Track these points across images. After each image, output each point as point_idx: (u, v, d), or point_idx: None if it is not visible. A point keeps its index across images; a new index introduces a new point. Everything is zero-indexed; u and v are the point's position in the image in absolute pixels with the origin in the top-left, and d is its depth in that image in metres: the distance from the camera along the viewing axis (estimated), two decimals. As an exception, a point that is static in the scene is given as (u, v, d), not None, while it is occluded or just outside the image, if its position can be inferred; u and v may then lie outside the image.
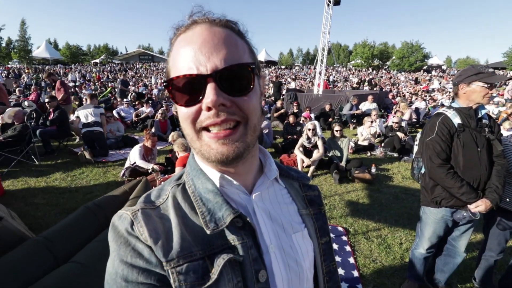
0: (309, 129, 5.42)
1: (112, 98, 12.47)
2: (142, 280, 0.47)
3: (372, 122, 7.27)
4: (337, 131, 5.57)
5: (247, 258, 0.52)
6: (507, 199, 2.04)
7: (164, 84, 0.50)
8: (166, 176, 4.41)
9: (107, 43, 56.39)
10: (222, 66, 0.47)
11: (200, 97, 0.47)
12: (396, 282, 2.51)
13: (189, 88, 0.48)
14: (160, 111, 8.00)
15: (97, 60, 46.00)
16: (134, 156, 4.80)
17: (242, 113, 0.49)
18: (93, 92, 13.46)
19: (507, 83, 14.54)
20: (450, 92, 18.50)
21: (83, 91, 14.02)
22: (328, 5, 12.02)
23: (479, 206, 1.86)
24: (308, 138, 5.44)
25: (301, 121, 7.75)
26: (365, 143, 7.05)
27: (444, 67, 44.63)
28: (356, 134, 7.56)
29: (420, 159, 2.20)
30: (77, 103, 9.84)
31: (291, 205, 0.65)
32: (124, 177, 4.76)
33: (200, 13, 0.52)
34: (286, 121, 7.73)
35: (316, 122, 6.26)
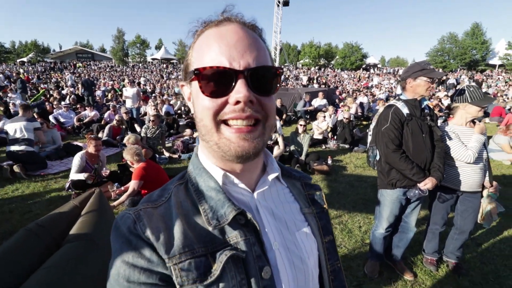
0: (269, 127, 5.53)
1: (45, 102, 11.00)
2: (144, 280, 0.47)
3: (324, 117, 7.72)
4: (301, 125, 5.80)
5: (250, 254, 0.51)
6: (445, 177, 2.36)
7: (195, 72, 0.49)
8: (123, 188, 4.05)
9: (36, 40, 49.26)
10: (254, 65, 0.48)
11: (228, 91, 0.48)
12: (360, 263, 2.71)
13: (219, 80, 0.48)
14: (117, 117, 7.24)
15: (24, 59, 40.23)
16: (72, 167, 4.21)
17: (264, 112, 0.51)
18: (26, 100, 11.68)
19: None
20: (386, 87, 20.67)
21: (9, 95, 12.03)
22: (278, 5, 12.42)
23: (427, 184, 2.12)
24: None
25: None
26: (320, 136, 7.47)
27: (379, 66, 49.62)
28: (311, 129, 7.95)
29: (375, 147, 2.40)
30: (2, 108, 8.43)
31: (294, 204, 0.65)
32: (70, 190, 4.24)
33: (231, 12, 0.54)
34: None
35: (277, 120, 6.42)
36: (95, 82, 15.75)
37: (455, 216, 2.53)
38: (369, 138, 2.49)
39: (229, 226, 0.52)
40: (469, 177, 2.32)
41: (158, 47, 53.74)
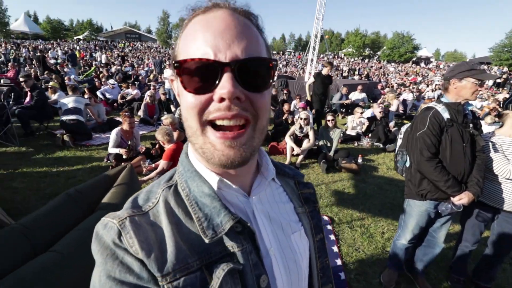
0: (302, 119, 5.41)
1: (95, 78, 11.94)
2: None
3: (362, 113, 7.32)
4: (329, 120, 5.58)
5: (247, 264, 0.49)
6: (484, 193, 2.12)
7: (175, 65, 0.45)
8: (153, 165, 4.30)
9: (91, 19, 53.48)
10: (243, 56, 0.43)
11: (213, 86, 0.43)
12: (377, 270, 2.60)
13: (202, 74, 0.43)
14: (148, 93, 7.73)
15: (80, 37, 43.80)
16: (110, 141, 4.56)
17: (254, 111, 0.45)
18: (79, 75, 12.79)
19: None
20: (436, 84, 18.85)
21: (65, 69, 13.27)
22: (323, -10, 11.78)
23: (463, 199, 1.92)
24: (301, 127, 5.44)
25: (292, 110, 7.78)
26: (353, 133, 7.13)
27: (432, 60, 45.24)
28: (345, 124, 7.61)
29: (405, 152, 2.22)
30: (57, 81, 9.34)
31: (288, 204, 0.63)
32: (108, 161, 4.63)
33: None
34: (278, 108, 7.68)
35: (310, 113, 6.22)
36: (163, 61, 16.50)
37: (491, 236, 2.28)
38: (399, 142, 2.31)
39: (225, 235, 0.49)
40: (510, 194, 2.06)
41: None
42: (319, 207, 0.72)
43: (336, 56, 43.23)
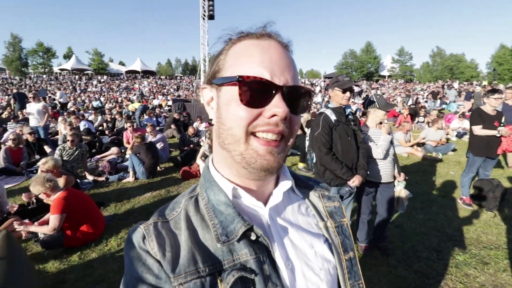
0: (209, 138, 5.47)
1: None
2: None
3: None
4: None
5: (261, 274, 0.48)
6: (368, 173, 2.76)
7: (239, 79, 0.47)
8: (37, 223, 3.33)
9: None
10: (292, 83, 0.49)
11: (265, 103, 0.48)
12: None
13: (258, 91, 0.47)
14: (10, 135, 5.95)
15: None
16: None
17: (290, 129, 0.51)
18: None
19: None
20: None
21: None
22: (204, 19, 12.58)
23: (355, 181, 2.45)
24: (210, 147, 5.46)
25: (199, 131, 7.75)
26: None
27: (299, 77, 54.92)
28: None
29: (312, 151, 2.65)
30: None
31: (310, 217, 0.62)
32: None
33: (272, 27, 0.54)
34: (182, 133, 7.50)
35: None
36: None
37: (377, 205, 2.97)
38: (307, 143, 2.74)
39: (239, 242, 0.50)
40: (383, 170, 2.78)
41: (67, 57, 47.08)
42: (347, 223, 0.67)
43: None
